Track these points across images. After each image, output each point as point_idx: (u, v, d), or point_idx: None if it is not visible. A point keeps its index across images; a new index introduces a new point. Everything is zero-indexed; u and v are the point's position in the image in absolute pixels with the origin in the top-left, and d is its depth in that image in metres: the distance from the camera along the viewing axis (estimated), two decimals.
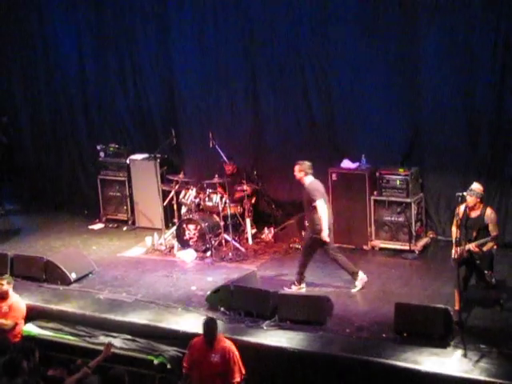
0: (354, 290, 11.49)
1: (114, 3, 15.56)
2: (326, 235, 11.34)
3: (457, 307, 10.14)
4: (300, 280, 11.65)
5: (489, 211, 10.26)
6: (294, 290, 11.57)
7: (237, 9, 14.30)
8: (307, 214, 11.67)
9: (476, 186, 10.29)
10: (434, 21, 12.68)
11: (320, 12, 13.59)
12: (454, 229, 10.36)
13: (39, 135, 17.11)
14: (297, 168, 11.56)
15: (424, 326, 9.77)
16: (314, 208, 11.32)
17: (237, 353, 9.05)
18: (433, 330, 9.72)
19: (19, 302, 11.01)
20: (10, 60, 17.08)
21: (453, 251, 10.10)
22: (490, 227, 10.17)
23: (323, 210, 11.29)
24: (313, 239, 11.52)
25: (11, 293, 10.96)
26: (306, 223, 11.97)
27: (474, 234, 10.18)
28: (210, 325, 9.19)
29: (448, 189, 12.93)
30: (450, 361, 9.20)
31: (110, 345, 9.69)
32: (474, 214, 10.25)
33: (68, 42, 16.26)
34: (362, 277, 11.53)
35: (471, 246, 10.08)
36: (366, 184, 13.16)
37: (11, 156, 17.39)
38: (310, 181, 11.53)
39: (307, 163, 11.68)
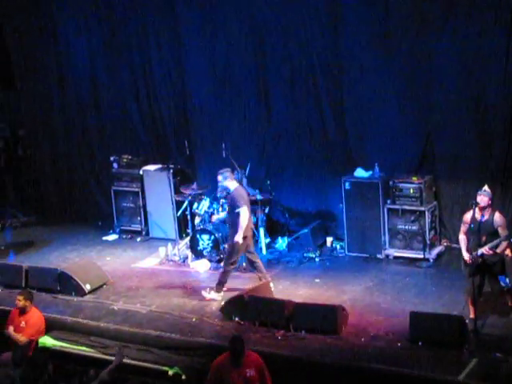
0: (204, 293, 11.80)
1: (126, 15, 15.60)
2: (240, 239, 11.49)
3: (472, 315, 10.09)
4: (220, 288, 11.74)
5: (497, 215, 10.23)
6: (212, 296, 11.73)
7: (248, 20, 14.33)
8: (230, 219, 11.86)
9: (487, 188, 10.28)
10: (446, 30, 12.65)
11: (333, 22, 13.60)
12: (461, 236, 10.43)
13: (52, 147, 17.15)
14: (221, 177, 11.71)
15: (439, 335, 9.73)
16: (238, 214, 11.46)
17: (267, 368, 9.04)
18: (448, 339, 9.67)
19: (38, 317, 11.02)
20: (24, 73, 17.15)
21: (464, 258, 10.10)
22: (500, 230, 10.14)
23: (245, 217, 11.51)
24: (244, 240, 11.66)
25: (31, 308, 10.98)
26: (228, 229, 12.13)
27: (484, 239, 10.13)
28: (238, 342, 8.95)
29: (462, 197, 12.91)
30: (465, 369, 9.14)
31: (121, 352, 9.66)
32: (483, 219, 10.20)
33: (81, 53, 16.32)
34: (218, 298, 11.68)
35: (484, 250, 10.04)
36: (380, 192, 13.14)
37: (28, 168, 17.47)
38: (234, 187, 11.74)
39: (229, 170, 11.98)
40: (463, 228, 10.42)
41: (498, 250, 10.08)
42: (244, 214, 11.53)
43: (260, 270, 11.95)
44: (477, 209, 10.17)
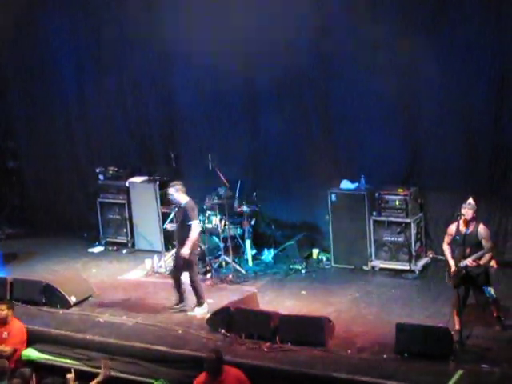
0: (190, 313, 11.67)
1: (113, 26, 15.60)
2: (187, 252, 11.48)
3: (457, 327, 10.12)
4: (201, 301, 11.74)
5: (481, 227, 10.30)
6: (197, 312, 11.66)
7: (235, 31, 14.31)
8: (180, 232, 11.76)
9: (472, 201, 10.34)
10: (432, 43, 12.72)
11: (319, 36, 13.60)
12: (445, 246, 10.54)
13: (38, 159, 17.11)
14: (173, 189, 11.68)
15: (425, 346, 9.75)
16: (190, 227, 11.49)
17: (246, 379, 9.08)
18: (434, 350, 9.69)
19: (19, 327, 11.01)
20: (9, 84, 17.13)
21: (450, 268, 10.15)
22: (484, 242, 10.19)
23: (197, 231, 11.57)
24: (193, 254, 11.67)
25: (12, 318, 10.95)
26: (176, 242, 12.04)
27: (468, 251, 10.18)
28: (212, 361, 8.98)
29: (447, 208, 12.93)
30: (451, 381, 9.15)
31: (107, 365, 9.64)
32: (468, 232, 10.26)
33: (67, 64, 16.30)
34: (204, 310, 11.62)
35: (468, 262, 10.08)
36: (366, 204, 13.18)
37: (14, 180, 17.43)
38: (186, 200, 11.72)
39: (181, 183, 11.99)
40: (447, 239, 10.52)
41: (482, 262, 10.14)
42: (196, 227, 11.59)
43: (181, 291, 11.91)
44: (461, 221, 10.23)
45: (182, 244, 11.62)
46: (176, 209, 12.21)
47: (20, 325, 11.07)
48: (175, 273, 12.02)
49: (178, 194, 11.74)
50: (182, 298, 11.96)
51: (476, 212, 10.36)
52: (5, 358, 10.44)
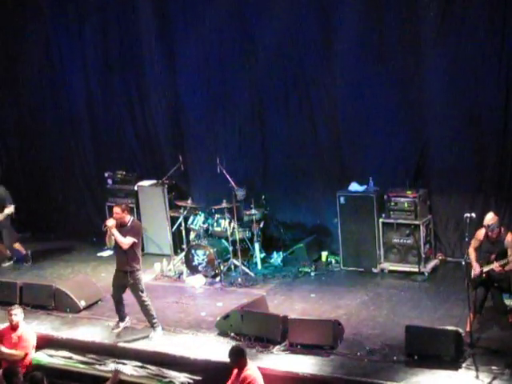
0: (152, 339, 11.21)
1: (120, 30, 15.65)
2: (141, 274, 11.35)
3: (468, 328, 10.09)
4: (155, 322, 11.32)
5: (509, 236, 10.31)
6: (155, 335, 11.26)
7: (242, 34, 14.37)
8: (121, 251, 11.24)
9: (491, 217, 10.33)
10: (439, 43, 12.72)
11: (325, 35, 13.65)
12: (471, 250, 10.50)
13: (47, 163, 17.16)
14: (119, 209, 11.25)
15: (435, 348, 9.73)
16: (128, 250, 11.16)
17: (259, 381, 9.03)
18: (444, 352, 9.67)
19: (29, 332, 11.03)
20: (17, 88, 17.18)
21: (474, 270, 10.19)
22: (510, 252, 10.18)
23: (120, 241, 11.11)
24: (136, 274, 11.27)
25: (22, 323, 10.98)
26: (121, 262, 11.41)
27: (493, 258, 10.20)
28: (233, 351, 9.18)
29: (456, 210, 12.93)
30: (461, 383, 9.13)
31: (117, 371, 9.67)
32: (494, 239, 10.31)
33: (75, 69, 16.36)
34: (159, 332, 11.31)
35: (495, 266, 10.08)
36: (374, 207, 13.15)
37: (22, 183, 17.47)
38: (131, 220, 11.42)
39: (126, 203, 11.88)
40: (474, 243, 10.52)
41: (507, 268, 10.15)
42: (130, 240, 11.14)
43: (122, 315, 11.62)
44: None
45: (126, 263, 11.21)
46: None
47: (29, 329, 11.11)
48: (114, 293, 11.57)
49: (124, 214, 11.27)
50: (122, 317, 11.63)
51: (500, 221, 10.35)
52: (16, 361, 10.53)
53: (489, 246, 10.33)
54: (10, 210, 13.96)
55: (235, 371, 9.16)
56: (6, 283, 13.25)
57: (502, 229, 10.42)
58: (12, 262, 14.83)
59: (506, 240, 10.27)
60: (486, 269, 10.19)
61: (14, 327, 10.87)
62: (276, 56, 14.11)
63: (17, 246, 14.47)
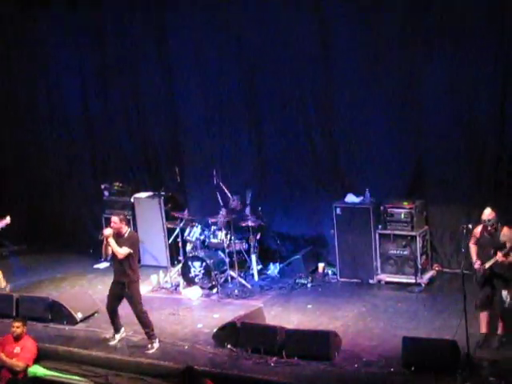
0: (149, 351, 11.18)
1: (116, 42, 15.69)
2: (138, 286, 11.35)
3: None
4: (153, 335, 11.30)
5: (505, 229, 10.29)
6: (153, 347, 11.22)
7: (239, 45, 14.41)
8: (118, 262, 11.21)
9: (489, 212, 10.29)
10: (435, 54, 12.77)
11: (322, 48, 13.70)
12: (470, 245, 10.49)
13: (43, 174, 17.16)
14: (117, 219, 11.22)
15: (432, 359, 9.71)
16: (127, 259, 11.13)
17: None
18: (441, 363, 9.66)
19: (31, 344, 11.07)
20: (13, 99, 17.20)
21: (476, 266, 10.23)
22: (508, 244, 10.14)
23: (116, 252, 11.11)
24: (133, 286, 11.27)
25: (25, 335, 11.03)
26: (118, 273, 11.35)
27: (492, 253, 10.17)
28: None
29: (452, 221, 12.97)
30: None
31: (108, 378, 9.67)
32: (491, 233, 10.28)
33: (71, 80, 16.39)
34: (156, 344, 11.26)
35: (498, 257, 10.07)
36: (371, 218, 13.17)
37: (23, 195, 17.45)
38: (129, 231, 11.43)
39: (124, 214, 11.93)
40: (472, 240, 10.50)
41: (511, 259, 10.10)
42: (126, 250, 11.12)
43: (117, 326, 11.61)
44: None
45: (124, 274, 11.20)
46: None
47: (32, 341, 11.13)
48: (109, 304, 11.53)
49: (122, 224, 11.26)
50: (117, 328, 11.61)
51: (497, 216, 10.31)
52: (17, 372, 10.63)
53: (487, 240, 10.27)
54: (5, 222, 13.80)
55: None
56: (3, 296, 13.25)
57: (498, 223, 10.38)
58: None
59: (502, 233, 10.21)
60: (488, 264, 10.13)
61: (16, 339, 10.90)
62: (273, 67, 14.14)
63: None
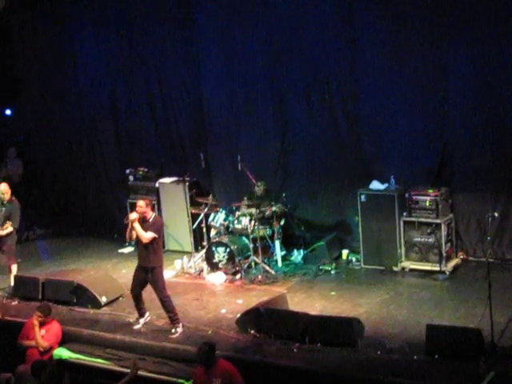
0: (172, 336, 11.20)
1: (143, 30, 15.70)
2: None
3: None
4: (177, 320, 11.36)
5: None
6: (177, 332, 11.25)
7: (265, 33, 14.36)
8: (142, 247, 11.24)
9: None
10: (461, 40, 12.67)
11: (348, 35, 13.63)
12: None
13: (69, 159, 17.25)
14: (143, 203, 11.24)
15: (456, 348, 9.68)
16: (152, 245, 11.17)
17: (238, 375, 9.07)
18: (465, 352, 9.62)
19: (57, 327, 11.19)
20: (41, 86, 17.30)
21: None
22: None
23: (142, 236, 11.15)
24: (157, 271, 11.31)
25: (51, 319, 11.14)
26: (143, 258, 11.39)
27: None
28: (202, 350, 9.22)
29: (478, 209, 12.90)
30: (482, 383, 9.07)
31: (135, 366, 9.71)
32: None
33: (98, 67, 16.45)
34: (179, 329, 11.30)
35: None
36: (396, 205, 13.11)
37: (48, 181, 17.55)
38: (154, 215, 11.44)
39: (150, 199, 12.02)
40: None
41: None
42: (151, 235, 11.16)
43: (141, 311, 11.66)
44: None
45: (148, 259, 11.25)
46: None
47: (57, 324, 11.24)
48: (133, 289, 11.58)
49: (148, 209, 11.30)
50: (142, 313, 11.67)
51: None
52: (41, 353, 10.74)
53: None
54: (8, 229, 13.68)
55: (201, 370, 9.20)
56: (29, 279, 13.34)
57: None
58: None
59: None
60: None
61: (41, 323, 10.98)
62: (298, 53, 14.09)
63: (13, 268, 13.74)
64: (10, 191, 13.58)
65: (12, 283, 13.50)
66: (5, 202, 13.53)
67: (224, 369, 9.10)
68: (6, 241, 13.52)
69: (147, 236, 11.12)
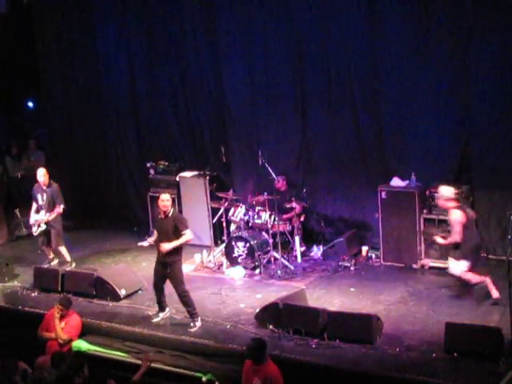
0: (191, 330, 11.21)
1: (164, 23, 15.73)
2: (168, 248, 11.18)
3: None
4: (196, 314, 11.37)
5: None
6: (195, 326, 11.26)
7: (286, 27, 14.34)
8: (161, 240, 11.26)
9: None
10: (485, 38, 12.57)
11: (371, 31, 13.57)
12: None
13: (90, 152, 17.32)
14: (166, 197, 11.30)
15: (475, 346, 9.63)
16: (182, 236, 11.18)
17: (281, 381, 8.92)
18: (484, 350, 9.57)
19: (77, 320, 11.25)
20: (63, 79, 17.37)
21: None
22: None
23: (188, 240, 11.26)
24: (176, 265, 11.34)
25: (71, 312, 11.21)
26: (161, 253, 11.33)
27: None
28: (249, 346, 9.11)
29: (498, 207, 12.82)
30: (501, 382, 9.04)
31: (147, 357, 9.74)
32: None
33: (119, 61, 16.51)
34: (197, 323, 11.31)
35: None
36: (416, 202, 13.06)
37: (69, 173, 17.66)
38: (172, 211, 11.40)
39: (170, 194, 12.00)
40: None
41: None
42: (189, 236, 11.25)
43: (162, 305, 11.70)
44: None
45: (161, 258, 11.32)
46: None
47: (77, 317, 11.30)
48: (155, 283, 11.61)
49: (169, 203, 11.32)
50: (162, 307, 11.71)
51: None
52: (61, 345, 10.80)
53: None
54: (58, 210, 13.93)
55: (249, 363, 9.09)
56: (49, 270, 13.45)
57: None
58: (54, 263, 14.35)
59: None
60: None
61: (62, 316, 11.04)
62: (320, 49, 14.06)
63: (62, 250, 14.16)
64: (48, 175, 13.84)
65: (68, 258, 14.03)
66: (44, 187, 13.76)
67: (269, 372, 8.92)
68: (53, 226, 13.87)
69: (189, 235, 11.19)
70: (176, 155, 16.12)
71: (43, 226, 13.94)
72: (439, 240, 11.64)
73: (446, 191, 11.60)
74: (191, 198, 15.06)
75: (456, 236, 11.33)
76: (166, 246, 11.07)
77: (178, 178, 15.41)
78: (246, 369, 9.15)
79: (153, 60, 16.13)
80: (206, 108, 15.68)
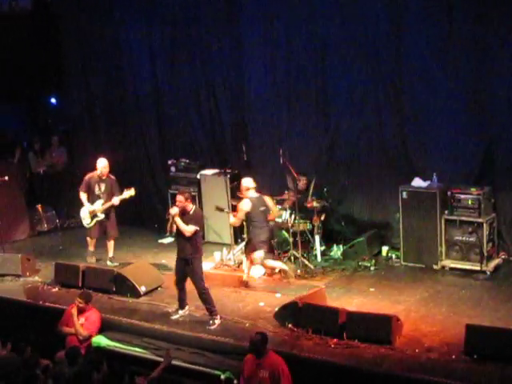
0: (210, 327, 11.22)
1: (187, 21, 15.75)
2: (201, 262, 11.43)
3: None
4: (215, 311, 11.41)
5: None
6: (215, 324, 11.28)
7: (309, 26, 14.32)
8: (182, 239, 11.36)
9: None
10: (508, 40, 12.50)
11: (393, 30, 13.54)
12: None
13: (111, 149, 17.33)
14: (182, 198, 11.31)
15: (495, 349, 9.57)
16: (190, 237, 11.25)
17: (286, 369, 9.04)
18: (505, 353, 9.51)
19: (96, 315, 11.32)
20: (86, 76, 17.43)
21: None
22: None
23: (185, 230, 11.25)
24: (196, 262, 11.38)
25: (90, 307, 11.29)
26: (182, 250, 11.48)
27: None
28: (254, 339, 9.25)
29: None
30: None
31: (169, 353, 9.76)
32: None
33: (142, 59, 16.54)
34: (217, 321, 11.31)
35: None
36: (437, 203, 13.01)
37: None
38: (194, 208, 11.47)
39: (189, 191, 12.12)
40: None
41: None
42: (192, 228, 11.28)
43: (183, 303, 11.76)
44: None
45: (188, 250, 11.38)
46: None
47: (96, 313, 11.37)
48: (177, 281, 11.67)
49: (187, 202, 11.37)
50: (182, 305, 11.74)
51: None
52: (80, 341, 10.89)
53: None
54: (116, 201, 13.97)
55: (251, 358, 9.24)
56: (70, 266, 13.50)
57: None
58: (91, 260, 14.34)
59: None
60: None
61: (80, 311, 11.13)
62: (343, 49, 14.03)
63: (112, 243, 14.26)
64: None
65: (111, 254, 14.17)
66: (104, 177, 13.97)
67: (273, 362, 9.11)
68: (110, 216, 14.12)
69: (189, 229, 11.21)
70: (197, 153, 16.14)
71: (100, 216, 14.03)
72: (173, 211, 11.25)
73: (245, 182, 12.69)
74: (212, 196, 15.07)
75: (236, 221, 12.80)
76: (172, 211, 11.25)
77: (198, 176, 15.43)
78: (248, 364, 9.28)
79: (175, 58, 16.14)
80: (227, 105, 15.69)
